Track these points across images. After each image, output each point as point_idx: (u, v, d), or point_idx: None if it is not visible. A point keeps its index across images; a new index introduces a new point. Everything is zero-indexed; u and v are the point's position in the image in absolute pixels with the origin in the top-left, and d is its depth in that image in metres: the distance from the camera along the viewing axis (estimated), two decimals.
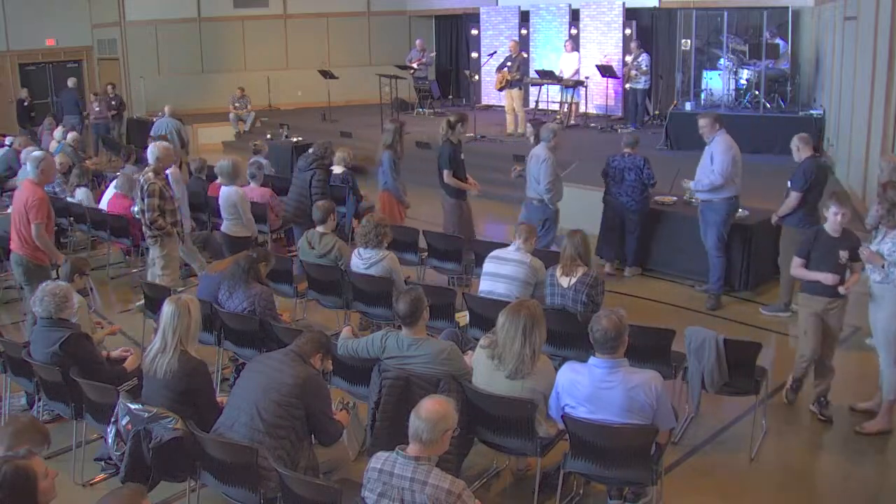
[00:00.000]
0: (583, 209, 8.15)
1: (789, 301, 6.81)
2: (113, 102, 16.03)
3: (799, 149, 6.67)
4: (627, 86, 13.63)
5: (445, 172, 7.69)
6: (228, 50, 18.04)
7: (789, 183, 6.72)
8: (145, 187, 6.66)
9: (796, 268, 5.25)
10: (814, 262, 5.13)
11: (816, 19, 11.92)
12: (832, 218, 5.08)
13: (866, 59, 8.02)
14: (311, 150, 8.17)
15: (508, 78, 13.17)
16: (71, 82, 16.24)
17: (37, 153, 6.77)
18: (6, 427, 3.44)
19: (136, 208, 8.22)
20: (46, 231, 6.18)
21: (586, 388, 3.83)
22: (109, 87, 16.45)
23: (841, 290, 5.02)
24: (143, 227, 6.85)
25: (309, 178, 7.79)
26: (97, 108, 15.61)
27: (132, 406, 4.08)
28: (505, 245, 6.07)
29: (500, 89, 13.71)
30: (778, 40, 11.93)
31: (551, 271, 5.44)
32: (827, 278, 5.02)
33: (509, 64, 13.34)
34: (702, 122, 7.05)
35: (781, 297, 6.93)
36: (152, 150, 6.84)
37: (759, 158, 10.54)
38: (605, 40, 14.37)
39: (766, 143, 11.13)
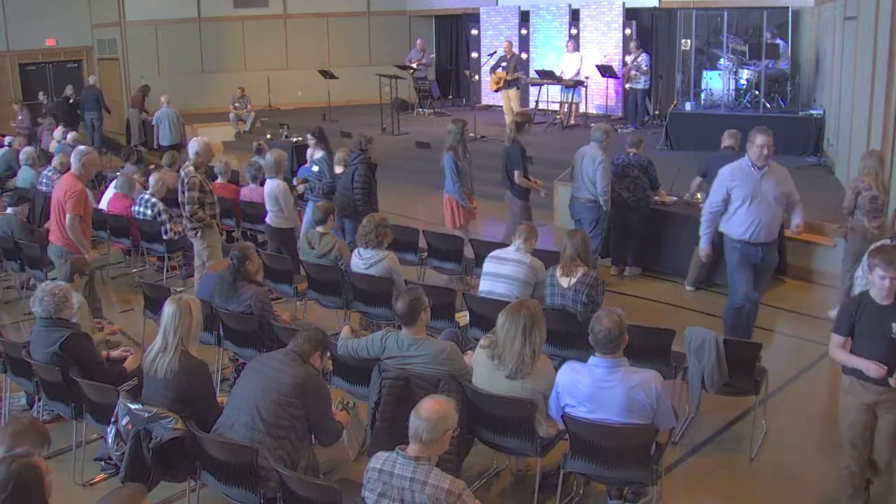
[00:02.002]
0: None
1: (695, 279, 7.33)
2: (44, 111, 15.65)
3: (723, 140, 7.06)
4: (627, 86, 13.62)
5: (517, 173, 7.59)
6: (228, 50, 18.04)
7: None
8: (186, 181, 6.83)
9: (836, 347, 4.09)
10: (858, 337, 4.00)
11: (816, 19, 11.91)
12: (879, 282, 3.91)
13: (866, 59, 8.01)
14: (352, 145, 8.16)
15: (508, 78, 13.15)
16: (91, 80, 16.28)
17: (81, 147, 6.95)
18: (6, 427, 3.44)
19: (136, 208, 8.24)
20: (83, 225, 6.37)
21: (586, 387, 3.83)
22: (41, 94, 16.26)
23: (892, 382, 3.86)
24: (184, 220, 7.06)
25: (352, 172, 7.82)
26: (20, 117, 15.48)
27: (132, 406, 4.08)
28: (505, 245, 6.07)
29: (497, 90, 13.70)
30: (778, 40, 11.93)
31: (551, 271, 5.44)
32: (869, 368, 3.87)
33: (504, 64, 13.34)
34: (768, 139, 5.54)
35: (688, 279, 7.36)
36: (192, 146, 7.06)
37: None
38: (605, 40, 14.37)
39: None
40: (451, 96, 17.98)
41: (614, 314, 3.82)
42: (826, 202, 8.47)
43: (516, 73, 13.28)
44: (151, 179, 8.36)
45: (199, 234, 6.96)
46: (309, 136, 8.30)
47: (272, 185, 7.61)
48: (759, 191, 5.56)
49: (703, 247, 5.93)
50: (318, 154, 7.93)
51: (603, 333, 3.76)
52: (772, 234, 5.67)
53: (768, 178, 5.59)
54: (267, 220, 7.76)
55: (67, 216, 6.25)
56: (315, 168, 7.88)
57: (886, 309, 3.92)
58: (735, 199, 5.64)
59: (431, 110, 16.11)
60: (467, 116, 14.23)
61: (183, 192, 6.87)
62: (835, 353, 4.12)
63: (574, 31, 14.71)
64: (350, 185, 7.78)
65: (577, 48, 14.00)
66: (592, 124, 13.48)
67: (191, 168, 6.89)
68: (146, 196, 8.18)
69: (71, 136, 12.19)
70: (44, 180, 9.52)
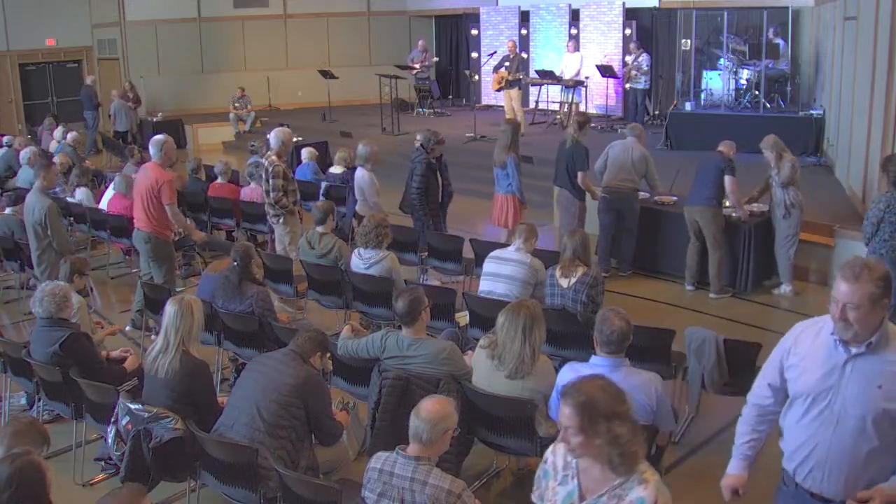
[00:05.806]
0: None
1: (723, 285, 7.32)
2: None
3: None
4: (627, 86, 13.62)
5: (580, 174, 7.70)
6: (228, 50, 18.03)
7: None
8: (270, 169, 7.22)
9: None
10: None
11: (816, 19, 11.91)
12: None
13: (866, 59, 8.01)
14: (421, 140, 8.14)
15: (509, 78, 13.15)
16: (89, 80, 16.26)
17: (158, 136, 7.01)
18: (6, 427, 3.45)
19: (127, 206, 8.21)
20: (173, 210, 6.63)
21: None
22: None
23: None
24: (267, 207, 7.41)
25: (411, 170, 7.84)
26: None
27: (132, 406, 4.08)
28: (505, 245, 6.07)
29: (499, 90, 13.69)
30: (778, 40, 11.94)
31: (551, 271, 5.44)
32: None
33: (507, 64, 13.33)
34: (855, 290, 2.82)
35: (714, 284, 7.30)
36: (275, 135, 7.42)
37: (758, 158, 10.52)
38: (605, 40, 14.36)
39: None
40: (451, 96, 17.97)
41: (621, 314, 3.81)
42: (826, 203, 8.49)
43: (518, 72, 13.27)
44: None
45: (281, 221, 7.28)
46: None
47: (359, 174, 7.68)
48: (837, 390, 2.71)
49: (732, 472, 3.09)
50: None
51: (616, 334, 3.72)
52: (848, 487, 2.73)
53: (861, 370, 2.67)
54: (356, 208, 7.96)
55: (167, 206, 6.47)
56: None
57: None
58: (791, 393, 2.90)
59: (431, 110, 16.11)
60: (467, 116, 14.29)
61: (268, 181, 7.21)
62: None
63: (574, 31, 14.70)
64: (410, 183, 7.82)
65: (577, 48, 14.00)
66: (592, 124, 13.55)
67: (274, 157, 7.26)
68: None
69: (71, 135, 12.19)
70: None
